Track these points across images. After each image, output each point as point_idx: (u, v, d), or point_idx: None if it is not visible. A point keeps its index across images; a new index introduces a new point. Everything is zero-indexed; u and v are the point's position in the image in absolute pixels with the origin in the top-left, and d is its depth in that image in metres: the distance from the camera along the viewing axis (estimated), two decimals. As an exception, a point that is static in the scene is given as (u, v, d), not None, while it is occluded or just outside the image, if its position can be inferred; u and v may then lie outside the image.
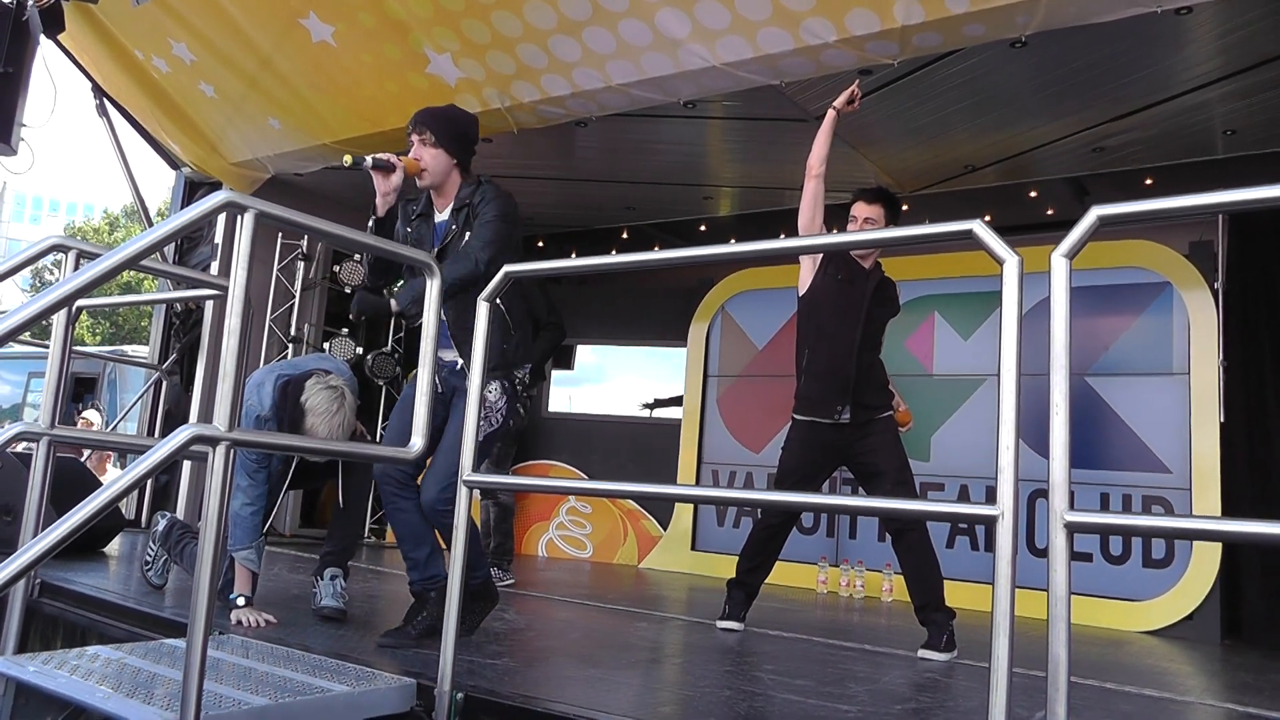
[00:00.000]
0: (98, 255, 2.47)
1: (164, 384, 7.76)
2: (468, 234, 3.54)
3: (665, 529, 7.76)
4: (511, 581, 5.68)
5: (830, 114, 4.34)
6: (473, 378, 2.78)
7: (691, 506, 7.60)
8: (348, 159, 3.39)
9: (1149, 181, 6.41)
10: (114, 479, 2.02)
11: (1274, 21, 4.62)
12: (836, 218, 7.55)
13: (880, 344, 4.52)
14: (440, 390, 3.59)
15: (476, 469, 2.83)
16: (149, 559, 4.33)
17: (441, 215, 3.68)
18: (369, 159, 3.41)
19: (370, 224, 3.51)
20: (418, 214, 3.72)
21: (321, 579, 3.99)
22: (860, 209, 4.42)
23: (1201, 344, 5.92)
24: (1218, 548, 5.61)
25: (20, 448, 4.22)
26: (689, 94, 5.23)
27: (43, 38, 5.77)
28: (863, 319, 4.34)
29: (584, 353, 9.11)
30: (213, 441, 2.14)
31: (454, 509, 2.84)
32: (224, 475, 2.16)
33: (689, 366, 8.05)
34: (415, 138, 3.61)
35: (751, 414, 7.68)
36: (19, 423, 3.60)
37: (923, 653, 4.08)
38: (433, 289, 2.86)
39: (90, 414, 10.32)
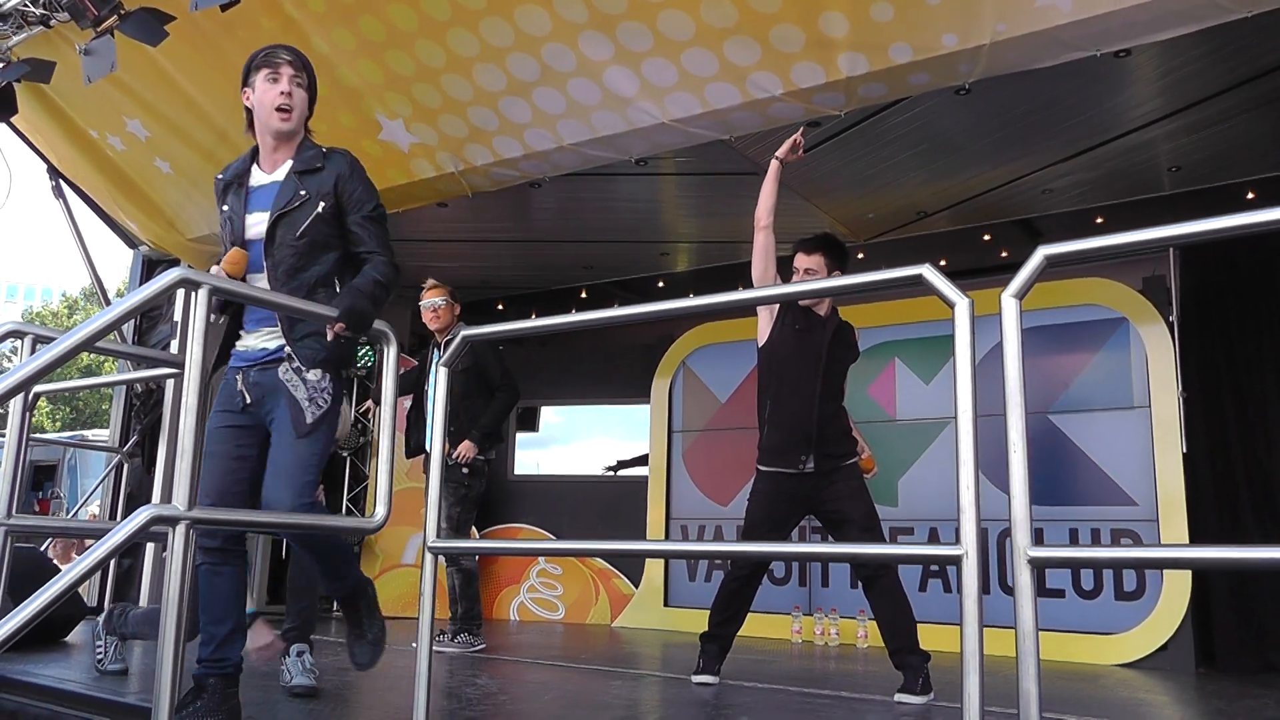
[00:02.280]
0: (54, 339, 2.44)
1: (125, 467, 7.64)
2: (322, 204, 3.10)
3: (637, 587, 7.70)
4: (482, 646, 5.60)
5: (774, 164, 4.38)
6: (435, 438, 2.75)
7: (662, 563, 7.56)
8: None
9: (1099, 220, 6.55)
10: (72, 564, 1.99)
11: (1211, 61, 4.78)
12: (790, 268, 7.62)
13: (842, 391, 4.53)
14: (248, 400, 3.09)
15: (319, 456, 2.88)
16: (99, 651, 4.14)
17: (270, 176, 3.19)
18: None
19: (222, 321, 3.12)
20: (225, 183, 3.21)
21: (288, 656, 3.90)
22: (800, 260, 4.45)
23: (1160, 377, 6.00)
24: (1188, 578, 5.65)
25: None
26: (640, 151, 5.29)
27: (-5, 121, 5.76)
28: (822, 367, 4.36)
29: (548, 414, 9.09)
30: (172, 521, 2.12)
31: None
32: (184, 555, 2.13)
33: (653, 423, 8.04)
34: (290, 70, 3.17)
35: (717, 467, 7.67)
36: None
37: (899, 696, 4.06)
38: (390, 356, 2.84)
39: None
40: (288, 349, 3.05)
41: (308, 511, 2.92)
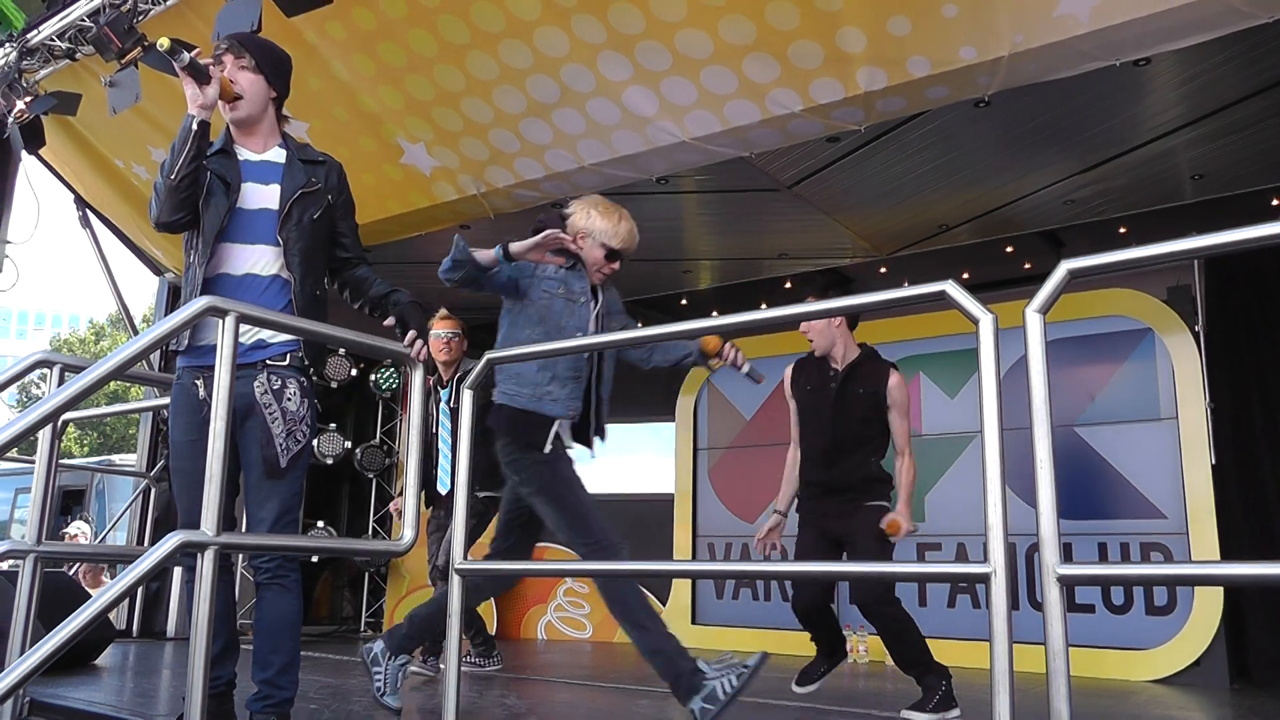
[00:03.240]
0: (82, 368, 2.43)
1: (153, 491, 7.70)
2: (330, 198, 3.08)
3: (664, 605, 7.67)
4: (498, 666, 5.53)
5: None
6: (460, 467, 2.75)
7: (690, 581, 7.53)
8: (164, 42, 2.76)
9: (1123, 230, 6.50)
10: (102, 590, 2.00)
11: (1232, 68, 4.73)
12: (817, 284, 7.60)
13: (870, 438, 4.37)
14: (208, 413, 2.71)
15: (298, 493, 2.77)
16: (377, 680, 3.49)
17: (261, 155, 3.09)
18: (188, 54, 2.79)
19: (194, 128, 2.89)
20: (217, 149, 3.03)
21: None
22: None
23: (1187, 387, 5.95)
24: (1220, 592, 5.57)
25: (7, 565, 4.17)
26: (661, 170, 5.30)
27: (24, 153, 5.84)
28: (830, 424, 4.34)
29: (574, 433, 9.08)
30: (201, 547, 2.13)
31: (271, 569, 2.73)
32: (212, 579, 2.14)
33: (678, 441, 8.03)
34: (229, 58, 3.02)
35: (744, 485, 7.65)
36: (5, 540, 3.57)
37: (906, 713, 3.99)
38: (416, 381, 2.85)
39: (77, 526, 10.21)
40: (264, 358, 2.88)
41: (265, 570, 2.80)
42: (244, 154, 3.06)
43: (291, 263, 2.94)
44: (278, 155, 3.09)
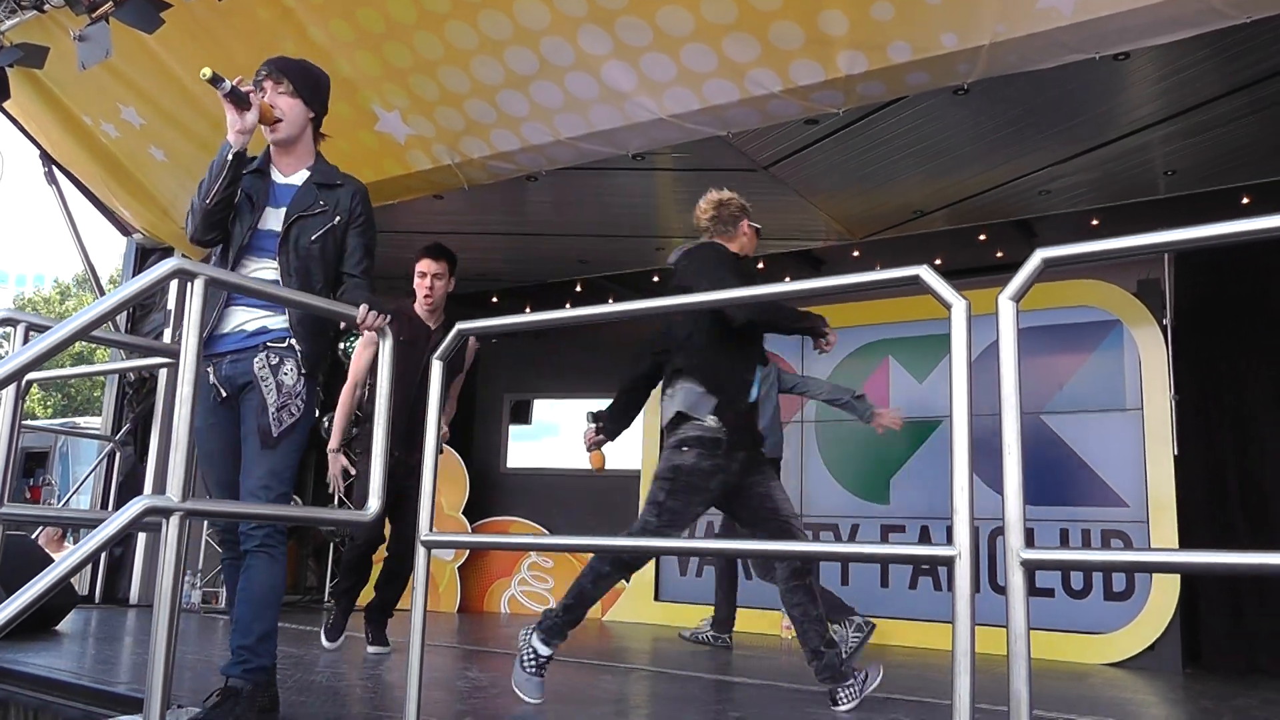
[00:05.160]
0: (47, 328, 2.43)
1: (118, 455, 7.63)
2: (335, 219, 3.20)
3: (627, 581, 7.70)
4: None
5: None
6: (429, 437, 2.74)
7: (653, 557, 7.56)
8: (206, 71, 2.92)
9: (1095, 222, 6.55)
10: (65, 554, 1.98)
11: (1208, 66, 4.78)
12: (785, 266, 7.63)
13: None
14: (223, 395, 3.10)
15: (290, 466, 2.87)
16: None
17: (288, 178, 3.27)
18: (229, 83, 2.96)
19: (229, 157, 3.06)
20: (254, 169, 3.25)
21: None
22: (427, 265, 4.80)
23: (1153, 379, 6.03)
24: (1177, 579, 5.67)
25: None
26: (637, 146, 5.28)
27: (-12, 107, 5.72)
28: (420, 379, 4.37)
29: (541, 407, 9.08)
30: (166, 513, 2.11)
31: (260, 536, 2.82)
32: (178, 546, 2.12)
33: (646, 417, 8.03)
34: (269, 84, 3.19)
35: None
36: (-34, 500, 3.51)
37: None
38: (385, 350, 2.84)
39: None
40: (265, 340, 3.06)
41: (252, 537, 2.90)
42: (275, 174, 3.27)
43: (287, 280, 3.10)
44: (300, 178, 3.27)
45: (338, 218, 3.22)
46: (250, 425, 3.00)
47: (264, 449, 2.95)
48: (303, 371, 3.08)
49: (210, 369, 3.09)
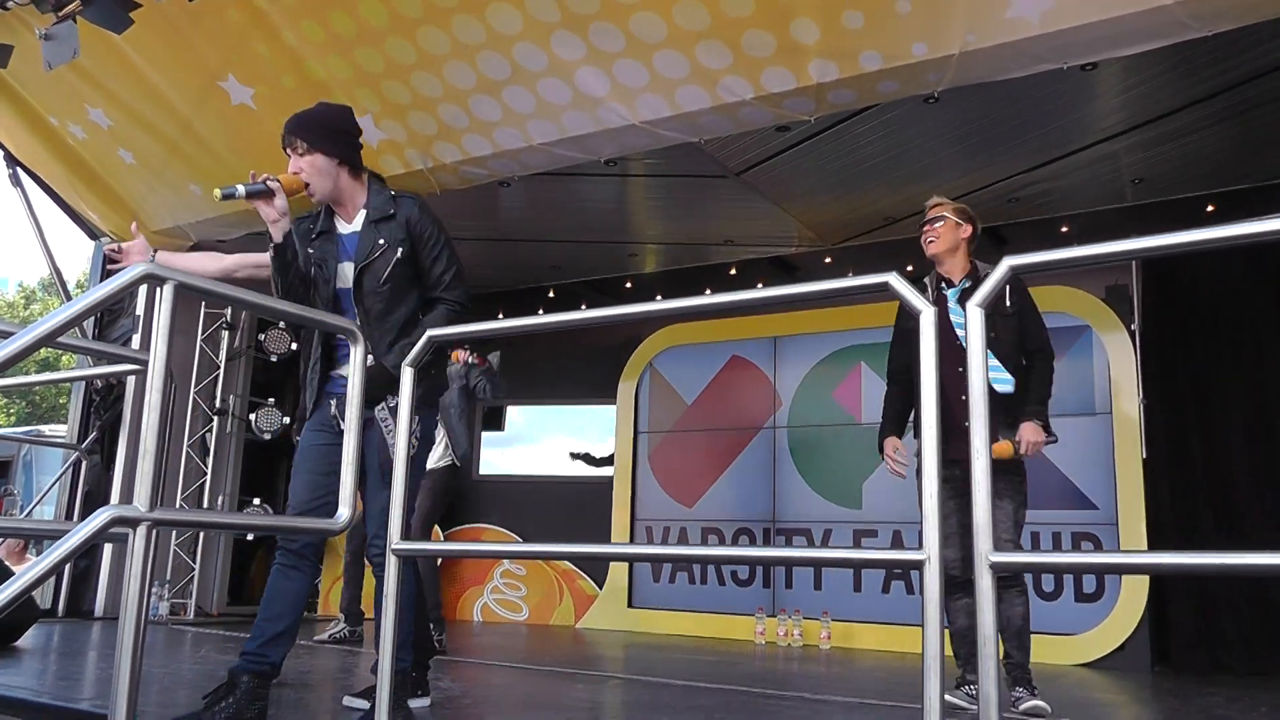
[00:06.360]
0: (10, 334, 2.40)
1: (84, 464, 7.52)
2: (400, 250, 3.25)
3: (601, 588, 7.70)
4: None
5: None
6: (399, 443, 2.73)
7: (626, 565, 7.56)
8: (217, 192, 3.03)
9: (1064, 229, 6.62)
10: (27, 567, 1.95)
11: (1172, 77, 4.85)
12: (758, 271, 7.66)
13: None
14: (340, 428, 3.16)
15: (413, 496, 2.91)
16: None
17: (351, 226, 3.33)
18: (241, 188, 3.06)
19: (270, 254, 3.18)
20: (318, 232, 3.35)
21: None
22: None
23: (1122, 384, 6.10)
24: (1145, 581, 5.74)
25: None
26: (610, 152, 5.29)
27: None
28: None
29: (514, 413, 9.06)
30: (133, 523, 2.09)
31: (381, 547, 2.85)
32: (145, 557, 2.10)
33: (619, 424, 8.05)
34: (290, 152, 3.27)
35: (683, 469, 7.70)
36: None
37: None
38: (356, 356, 2.82)
39: None
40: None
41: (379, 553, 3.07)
42: (340, 225, 3.36)
43: (369, 329, 3.21)
44: (360, 222, 3.33)
45: (400, 249, 3.26)
46: (373, 460, 3.23)
47: (385, 480, 3.10)
48: (417, 413, 3.21)
49: (333, 402, 3.27)
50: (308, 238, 3.34)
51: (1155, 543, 5.84)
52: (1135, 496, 5.91)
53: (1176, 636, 5.94)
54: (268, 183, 3.12)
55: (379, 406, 3.21)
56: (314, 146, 3.25)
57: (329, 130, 3.32)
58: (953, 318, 3.87)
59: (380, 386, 3.16)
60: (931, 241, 4.12)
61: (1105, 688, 5.03)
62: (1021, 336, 4.06)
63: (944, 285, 4.10)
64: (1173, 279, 6.32)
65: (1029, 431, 3.94)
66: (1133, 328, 6.16)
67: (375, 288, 3.24)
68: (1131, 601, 5.79)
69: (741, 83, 4.58)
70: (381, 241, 3.26)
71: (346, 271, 3.29)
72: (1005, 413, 3.93)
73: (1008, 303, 4.00)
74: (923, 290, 4.10)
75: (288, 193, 3.17)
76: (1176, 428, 6.20)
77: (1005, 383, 3.93)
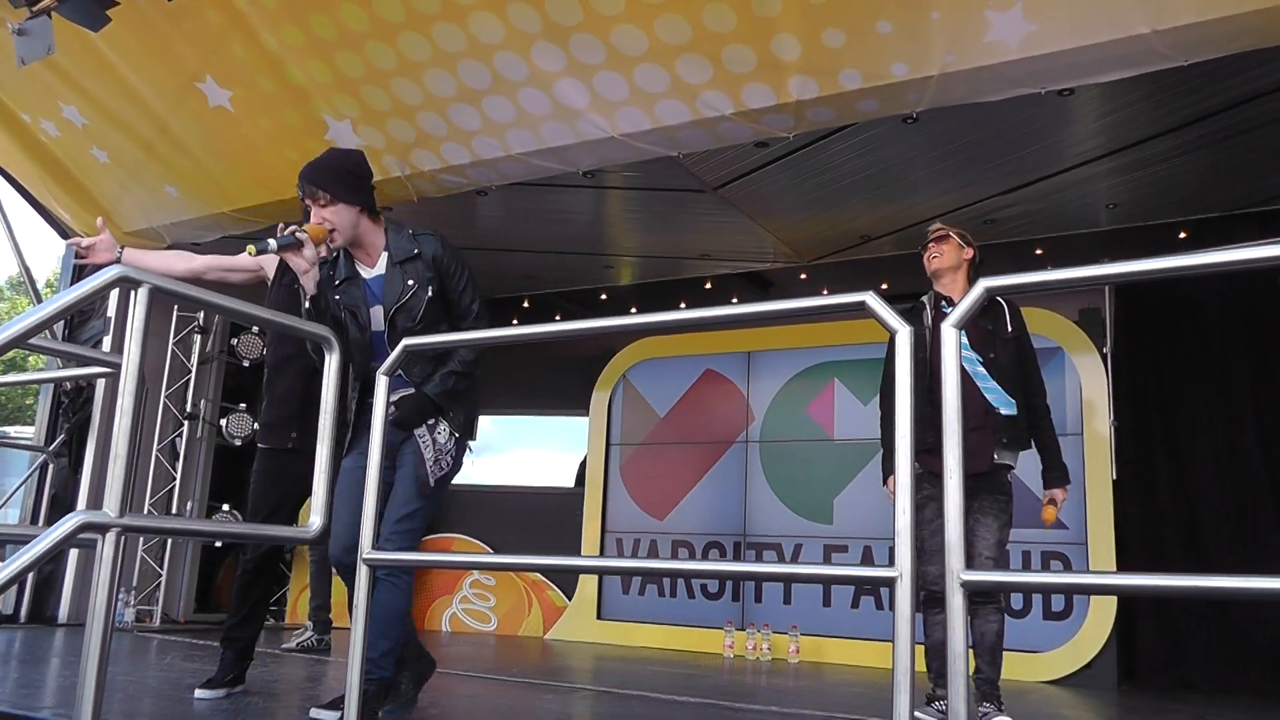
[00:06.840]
0: (-21, 332, 2.38)
1: (50, 467, 7.42)
2: (430, 289, 3.34)
3: (570, 599, 7.68)
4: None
5: None
6: (373, 441, 2.73)
7: (596, 576, 7.55)
8: (251, 249, 3.13)
9: (1039, 252, 6.68)
10: (-7, 568, 1.93)
11: (1149, 104, 4.92)
12: (734, 286, 7.69)
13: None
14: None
15: (431, 512, 3.07)
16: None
17: (374, 270, 3.41)
18: (272, 242, 3.12)
19: (306, 308, 3.28)
20: (343, 279, 3.41)
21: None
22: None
23: (1093, 406, 6.16)
24: (1113, 600, 5.79)
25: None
26: (588, 164, 5.29)
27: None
28: None
29: (485, 423, 9.03)
30: (103, 528, 2.07)
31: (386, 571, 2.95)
32: (114, 564, 2.08)
33: (591, 435, 8.04)
34: (309, 203, 3.32)
35: (655, 482, 7.70)
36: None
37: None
38: (332, 363, 2.81)
39: None
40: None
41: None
42: (363, 270, 3.43)
43: (411, 371, 3.34)
44: (383, 265, 3.40)
45: (430, 288, 3.35)
46: (406, 472, 3.33)
47: (419, 495, 3.31)
48: (454, 433, 3.41)
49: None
50: (330, 283, 3.40)
51: (1123, 562, 5.89)
52: (1105, 517, 5.97)
53: (1143, 655, 6.01)
54: (297, 235, 3.20)
55: (419, 430, 3.36)
56: (336, 198, 3.30)
57: (346, 178, 3.36)
58: None
59: (423, 413, 3.34)
60: (936, 258, 4.20)
61: (1072, 705, 5.07)
62: (1021, 360, 4.13)
63: (945, 304, 4.14)
64: (1145, 303, 6.40)
65: (1062, 495, 4.27)
66: (1105, 350, 6.23)
67: (409, 327, 3.30)
68: (1099, 620, 5.83)
69: (721, 98, 4.60)
70: (411, 283, 3.34)
71: (377, 315, 3.38)
72: (1006, 434, 4.06)
73: (1009, 327, 4.12)
74: (921, 308, 4.19)
75: (314, 243, 3.24)
76: (1146, 450, 6.28)
77: (1008, 406, 4.03)
